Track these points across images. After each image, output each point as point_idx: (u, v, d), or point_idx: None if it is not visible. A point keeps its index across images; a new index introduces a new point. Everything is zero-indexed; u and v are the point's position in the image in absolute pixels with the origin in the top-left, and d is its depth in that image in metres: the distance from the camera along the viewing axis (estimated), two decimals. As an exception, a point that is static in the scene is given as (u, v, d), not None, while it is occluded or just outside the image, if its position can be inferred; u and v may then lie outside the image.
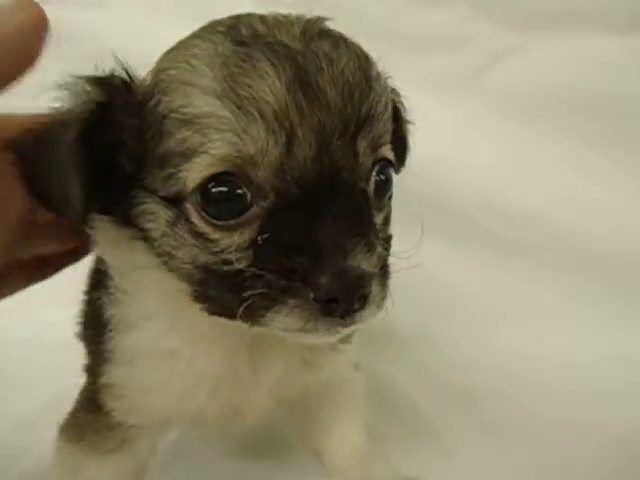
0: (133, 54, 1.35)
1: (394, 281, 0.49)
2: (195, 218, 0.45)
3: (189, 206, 0.46)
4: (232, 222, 0.45)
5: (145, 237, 0.50)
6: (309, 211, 0.43)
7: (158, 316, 0.55)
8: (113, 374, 0.57)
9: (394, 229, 0.55)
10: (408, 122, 0.64)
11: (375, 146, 0.48)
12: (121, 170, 0.48)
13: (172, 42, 0.97)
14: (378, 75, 0.50)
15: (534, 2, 1.14)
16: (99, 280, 0.59)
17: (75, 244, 0.63)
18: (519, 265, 1.13)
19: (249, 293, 0.43)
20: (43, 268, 0.65)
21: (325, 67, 0.45)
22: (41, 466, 0.74)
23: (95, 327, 0.58)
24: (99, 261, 0.60)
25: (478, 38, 1.16)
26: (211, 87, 0.43)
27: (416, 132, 0.66)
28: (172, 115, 0.45)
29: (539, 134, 1.11)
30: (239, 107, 0.43)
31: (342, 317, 0.43)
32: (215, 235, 0.45)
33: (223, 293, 0.45)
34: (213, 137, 0.43)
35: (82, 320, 0.65)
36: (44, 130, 0.48)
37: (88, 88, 0.48)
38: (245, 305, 0.43)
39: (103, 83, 0.48)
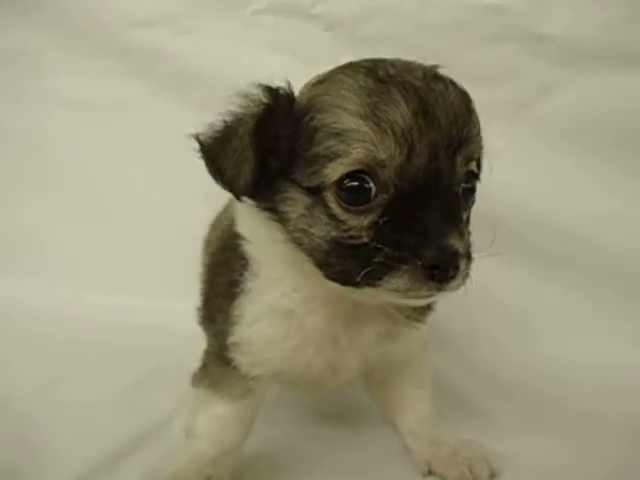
0: (215, 76, 1.52)
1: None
2: (332, 204, 0.60)
3: (328, 194, 0.60)
4: (360, 208, 0.60)
5: (280, 219, 0.65)
6: (418, 203, 0.58)
7: (281, 281, 0.70)
8: (240, 334, 0.71)
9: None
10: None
11: (467, 161, 0.63)
12: (269, 167, 0.64)
13: (250, 67, 1.17)
14: (474, 109, 0.65)
15: (577, 40, 1.27)
16: (230, 258, 0.73)
17: None
18: (555, 276, 1.26)
19: (373, 261, 0.57)
20: None
21: (439, 100, 0.60)
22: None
23: (226, 296, 0.72)
24: (228, 240, 0.76)
25: (525, 73, 1.30)
26: (357, 111, 0.58)
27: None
28: (324, 129, 0.60)
29: (579, 160, 1.24)
30: (377, 125, 0.58)
31: (440, 282, 0.57)
32: (345, 217, 0.60)
33: (346, 261, 0.60)
34: (355, 145, 0.58)
35: (210, 293, 0.80)
36: (225, 126, 0.66)
37: (260, 93, 0.64)
38: (366, 271, 0.58)
39: (272, 91, 0.65)
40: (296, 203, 0.63)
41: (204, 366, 0.78)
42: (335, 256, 0.61)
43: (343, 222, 0.60)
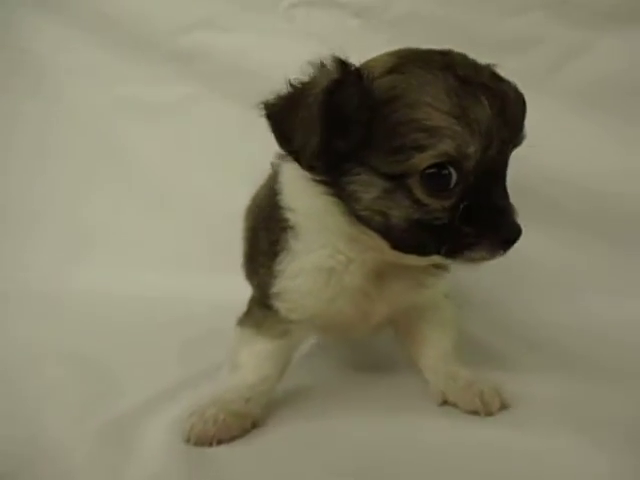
0: (255, 71, 1.62)
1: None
2: (416, 189, 0.67)
3: (413, 181, 0.67)
4: (443, 193, 0.68)
5: (341, 195, 0.72)
6: (487, 187, 0.69)
7: (326, 245, 0.79)
8: (281, 285, 0.81)
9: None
10: None
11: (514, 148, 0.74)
12: (336, 146, 0.68)
13: (287, 59, 1.24)
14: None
15: (599, 1, 1.28)
16: (270, 224, 0.84)
17: None
18: (580, 238, 1.32)
19: (454, 238, 0.68)
20: None
21: (510, 102, 0.70)
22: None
23: (268, 255, 0.83)
24: (266, 209, 0.86)
25: (551, 38, 1.33)
26: (449, 111, 0.65)
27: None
28: (412, 123, 0.65)
29: (604, 121, 1.28)
30: (467, 125, 0.65)
31: (504, 250, 0.69)
32: (429, 201, 0.68)
33: (423, 238, 0.69)
34: (445, 140, 0.65)
35: (252, 252, 0.92)
36: (293, 93, 0.69)
37: (330, 65, 0.68)
38: (447, 247, 0.69)
39: (343, 64, 0.68)
40: (371, 186, 0.69)
41: (249, 310, 0.91)
42: (411, 234, 0.69)
43: (426, 205, 0.68)
